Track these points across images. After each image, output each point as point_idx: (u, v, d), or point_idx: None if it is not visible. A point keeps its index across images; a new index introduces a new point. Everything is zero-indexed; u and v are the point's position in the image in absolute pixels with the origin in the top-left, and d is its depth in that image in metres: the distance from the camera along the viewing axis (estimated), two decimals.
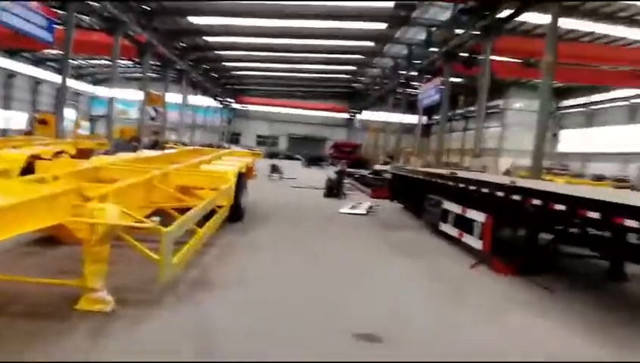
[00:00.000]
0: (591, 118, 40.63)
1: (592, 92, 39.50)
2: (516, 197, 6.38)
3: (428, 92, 30.73)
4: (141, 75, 32.18)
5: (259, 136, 69.97)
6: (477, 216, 7.39)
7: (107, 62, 45.70)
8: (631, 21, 23.78)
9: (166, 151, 10.32)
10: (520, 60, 29.14)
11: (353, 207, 12.98)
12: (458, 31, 25.42)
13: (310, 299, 5.10)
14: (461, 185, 8.30)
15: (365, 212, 12.36)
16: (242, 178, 9.03)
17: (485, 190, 7.37)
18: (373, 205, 13.51)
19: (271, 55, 41.47)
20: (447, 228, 8.74)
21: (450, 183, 8.83)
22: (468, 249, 7.85)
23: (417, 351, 3.98)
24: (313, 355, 3.70)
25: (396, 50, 38.88)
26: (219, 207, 7.14)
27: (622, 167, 35.13)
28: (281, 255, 7.02)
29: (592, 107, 40.33)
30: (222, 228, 7.65)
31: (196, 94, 48.43)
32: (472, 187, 7.91)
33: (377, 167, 21.31)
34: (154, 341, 3.74)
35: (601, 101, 39.38)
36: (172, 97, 41.98)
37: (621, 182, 27.46)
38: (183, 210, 5.51)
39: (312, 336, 4.09)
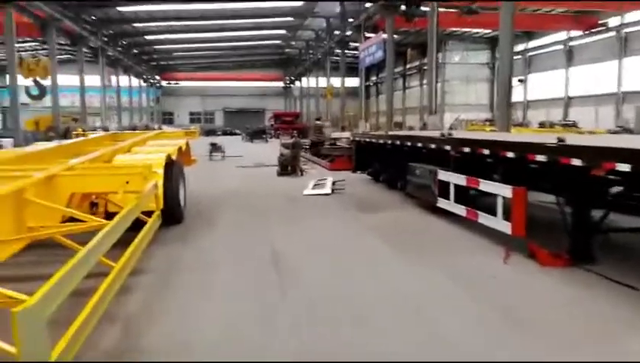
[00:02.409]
0: (529, 65, 40.30)
1: (530, 38, 39.05)
2: (572, 162, 4.52)
3: (369, 50, 28.77)
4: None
5: (192, 113, 66.08)
6: (500, 189, 5.53)
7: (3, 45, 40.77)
8: None
9: (68, 141, 7.73)
10: (460, 9, 27.62)
11: (317, 186, 10.94)
12: None
13: None
14: (466, 150, 6.42)
15: (329, 191, 10.33)
16: (174, 167, 6.72)
17: (510, 155, 5.51)
18: (336, 180, 11.51)
19: (195, 24, 37.89)
20: (449, 205, 6.88)
21: (447, 147, 6.93)
22: (487, 232, 6.04)
23: None
24: None
25: (329, 8, 36.56)
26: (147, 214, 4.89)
27: (553, 112, 35.23)
28: (242, 286, 4.61)
29: (530, 54, 39.95)
30: (154, 239, 5.40)
31: (117, 75, 43.92)
32: (485, 152, 6.03)
33: (335, 135, 19.19)
34: None
35: (539, 47, 39.00)
36: (92, 79, 37.80)
37: (573, 127, 27.03)
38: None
39: None
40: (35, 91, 22.20)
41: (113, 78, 42.87)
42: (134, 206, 4.13)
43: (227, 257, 5.54)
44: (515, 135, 10.70)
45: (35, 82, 21.68)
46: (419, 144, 7.94)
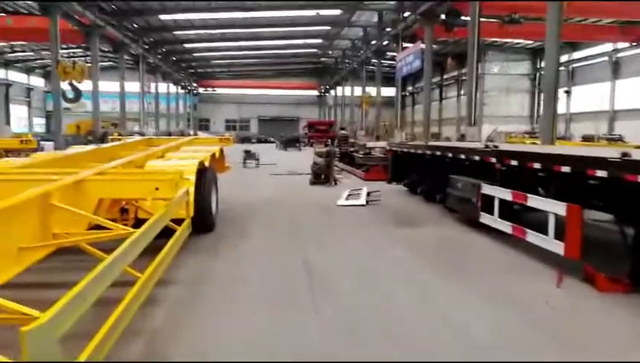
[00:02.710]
0: (572, 77, 38.95)
1: (574, 49, 37.78)
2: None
3: (407, 59, 28.38)
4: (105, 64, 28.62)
5: (228, 121, 66.85)
6: (552, 206, 5.11)
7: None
8: None
9: (104, 145, 7.69)
10: (501, 19, 26.91)
11: (351, 196, 10.64)
12: None
13: None
14: (514, 163, 6.01)
15: (364, 202, 10.00)
16: (207, 174, 6.56)
17: (565, 169, 5.09)
18: (371, 191, 11.17)
19: (233, 32, 38.31)
20: (493, 221, 6.46)
21: (492, 159, 6.53)
22: (536, 251, 5.61)
23: None
24: None
25: (365, 18, 36.40)
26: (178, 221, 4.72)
27: (597, 126, 33.69)
28: (274, 302, 4.35)
29: (574, 65, 38.63)
30: (184, 247, 5.22)
31: (156, 81, 44.85)
32: (536, 165, 5.61)
33: (370, 144, 18.85)
34: None
35: (583, 58, 37.67)
36: (132, 86, 38.68)
37: (619, 141, 25.84)
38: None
39: None
40: (70, 95, 22.01)
41: (152, 84, 43.76)
42: (162, 214, 3.93)
43: (259, 271, 5.27)
44: (569, 148, 10.16)
45: (71, 85, 21.36)
46: (461, 156, 7.55)
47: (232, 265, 5.46)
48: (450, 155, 8.07)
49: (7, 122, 45.80)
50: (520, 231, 5.78)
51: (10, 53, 43.54)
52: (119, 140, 9.55)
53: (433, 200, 9.55)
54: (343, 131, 31.19)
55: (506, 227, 6.10)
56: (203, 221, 6.56)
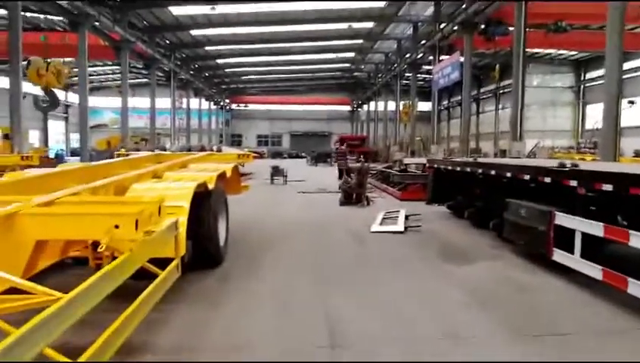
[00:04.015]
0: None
1: (625, 59, 35.33)
2: None
3: (444, 71, 26.91)
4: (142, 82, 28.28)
5: (260, 136, 66.54)
6: None
7: (92, 69, 42.55)
8: None
9: (103, 162, 6.61)
10: (547, 28, 25.18)
11: (386, 220, 9.30)
12: None
13: None
14: (607, 187, 4.58)
15: (402, 228, 8.60)
16: (212, 197, 5.37)
17: None
18: (409, 214, 9.79)
19: (265, 47, 37.69)
20: (572, 261, 5.02)
21: (572, 183, 5.10)
22: (634, 305, 4.17)
23: None
24: None
25: (399, 30, 35.20)
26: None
27: None
28: None
29: (623, 76, 36.14)
30: (178, 290, 4.04)
31: (188, 97, 44.69)
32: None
33: (407, 161, 17.40)
34: None
35: (631, 69, 35.26)
36: (165, 102, 38.55)
37: None
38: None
39: None
40: (48, 101, 18.55)
41: (184, 100, 43.57)
42: (122, 262, 2.74)
43: (266, 332, 3.98)
44: None
45: (46, 90, 17.65)
46: (525, 177, 6.12)
47: (234, 320, 4.18)
48: (509, 174, 6.65)
49: (46, 137, 46.54)
50: (616, 279, 4.33)
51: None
52: (126, 155, 8.55)
53: (483, 226, 8.10)
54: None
55: (593, 271, 4.65)
56: (206, 256, 5.39)
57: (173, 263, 3.87)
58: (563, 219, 5.18)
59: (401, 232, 8.33)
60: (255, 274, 5.58)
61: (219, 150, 15.90)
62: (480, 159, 9.05)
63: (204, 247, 5.29)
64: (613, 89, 12.94)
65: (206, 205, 5.24)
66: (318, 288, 5.15)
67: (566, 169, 5.27)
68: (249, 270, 5.75)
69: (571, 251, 5.03)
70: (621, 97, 13.17)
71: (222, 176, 5.97)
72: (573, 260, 5.00)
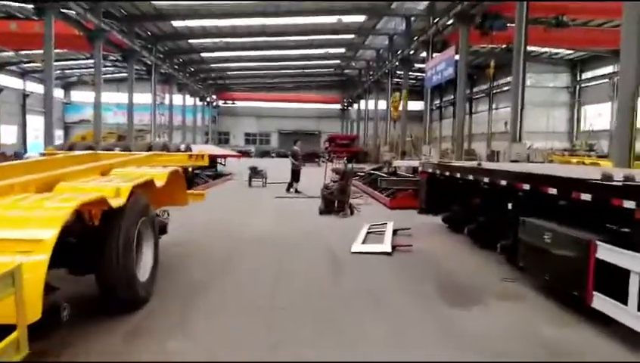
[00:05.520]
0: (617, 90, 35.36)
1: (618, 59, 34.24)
2: None
3: (437, 68, 25.50)
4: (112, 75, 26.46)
5: (247, 134, 64.81)
6: None
7: (75, 62, 40.60)
8: None
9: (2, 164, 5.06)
10: (548, 22, 23.87)
11: (370, 235, 7.81)
12: None
13: None
14: None
15: (389, 248, 7.06)
16: (123, 218, 3.84)
17: None
18: (398, 228, 8.30)
19: (252, 40, 36.02)
20: (624, 315, 3.56)
21: (628, 204, 3.63)
22: None
23: None
24: None
25: (391, 25, 33.77)
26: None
27: None
28: None
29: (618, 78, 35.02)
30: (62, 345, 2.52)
31: (170, 92, 42.86)
32: None
33: (397, 163, 15.84)
34: None
35: None
36: (146, 97, 36.76)
37: None
38: None
39: None
40: None
41: (167, 95, 41.78)
42: None
43: None
44: None
45: None
46: (552, 191, 4.64)
47: None
48: (527, 187, 5.17)
49: (24, 133, 44.54)
50: None
51: (27, 63, 42.02)
52: (51, 155, 6.95)
53: (487, 246, 6.65)
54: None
55: None
56: (114, 299, 3.87)
57: (13, 335, 2.37)
58: (609, 254, 3.72)
59: (388, 253, 6.82)
60: (185, 325, 4.04)
61: (188, 149, 14.30)
62: (485, 165, 7.56)
63: (110, 287, 3.78)
64: (630, 86, 11.53)
65: (113, 228, 3.72)
66: (267, 353, 3.63)
67: (616, 183, 3.81)
68: (179, 316, 4.21)
69: (622, 299, 3.58)
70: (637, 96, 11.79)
71: (147, 185, 4.44)
72: (627, 313, 3.54)
